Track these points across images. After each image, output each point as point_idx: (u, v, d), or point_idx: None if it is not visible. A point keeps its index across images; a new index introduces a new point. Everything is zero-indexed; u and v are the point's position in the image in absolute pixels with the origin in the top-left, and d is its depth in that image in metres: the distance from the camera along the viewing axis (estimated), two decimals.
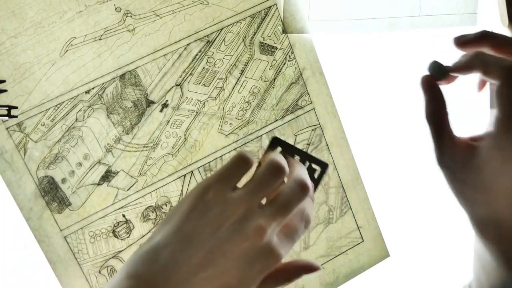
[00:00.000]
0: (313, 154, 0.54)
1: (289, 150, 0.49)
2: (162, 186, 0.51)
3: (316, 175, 0.50)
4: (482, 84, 0.49)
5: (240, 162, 0.43)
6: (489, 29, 0.54)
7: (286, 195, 0.43)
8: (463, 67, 0.46)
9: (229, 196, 0.41)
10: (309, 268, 0.46)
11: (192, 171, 0.51)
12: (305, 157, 0.50)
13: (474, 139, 0.47)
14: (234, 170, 0.43)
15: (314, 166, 0.49)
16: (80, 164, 0.48)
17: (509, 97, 0.42)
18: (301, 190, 0.43)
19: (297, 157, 0.49)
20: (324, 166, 0.49)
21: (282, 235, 0.42)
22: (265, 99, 0.53)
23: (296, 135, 0.54)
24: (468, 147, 0.44)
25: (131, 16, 0.49)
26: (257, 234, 0.40)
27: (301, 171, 0.45)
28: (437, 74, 0.48)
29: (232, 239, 0.40)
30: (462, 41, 0.48)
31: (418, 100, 0.48)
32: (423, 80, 0.49)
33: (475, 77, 0.47)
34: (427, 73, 0.49)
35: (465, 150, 0.44)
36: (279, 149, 0.49)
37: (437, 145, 0.48)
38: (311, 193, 0.47)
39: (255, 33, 0.52)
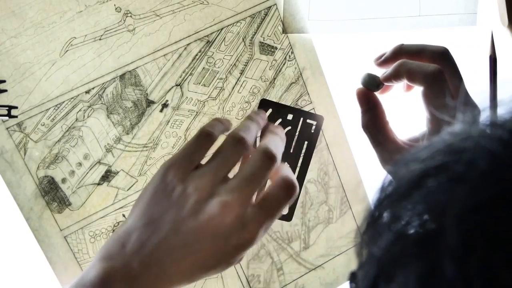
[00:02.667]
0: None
1: (280, 110, 0.49)
2: None
3: (312, 130, 0.50)
4: (408, 86, 0.53)
5: (202, 139, 0.43)
6: (488, 30, 0.54)
7: (250, 166, 0.42)
8: (391, 76, 0.50)
9: (191, 175, 0.41)
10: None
11: None
12: (299, 114, 0.50)
13: (415, 141, 0.50)
14: (195, 147, 0.42)
15: (309, 121, 0.49)
16: (80, 164, 0.48)
17: (433, 100, 0.46)
18: (266, 158, 0.42)
19: (290, 116, 0.49)
20: (319, 119, 0.50)
21: (257, 208, 0.41)
22: None
23: None
24: (409, 148, 0.46)
25: (131, 16, 0.49)
26: (224, 210, 0.39)
27: (267, 140, 0.44)
28: (371, 86, 0.51)
29: (198, 218, 0.39)
30: (382, 61, 0.52)
31: (417, 100, 0.49)
32: (357, 93, 0.52)
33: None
34: (361, 86, 0.52)
35: (405, 152, 0.46)
36: (269, 111, 0.49)
37: (378, 151, 0.51)
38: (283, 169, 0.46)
39: (255, 33, 0.52)
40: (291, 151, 0.50)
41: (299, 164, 0.50)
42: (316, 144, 0.54)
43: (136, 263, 0.38)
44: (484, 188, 0.21)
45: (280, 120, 0.47)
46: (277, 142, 0.44)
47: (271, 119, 0.50)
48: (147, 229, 0.39)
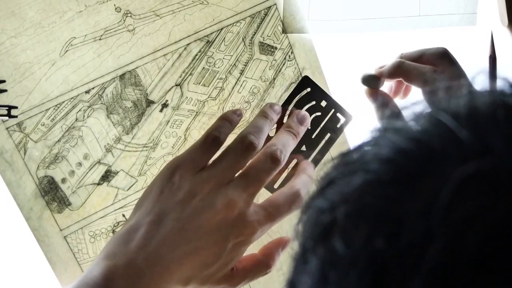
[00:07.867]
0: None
1: (317, 94, 0.50)
2: None
3: (339, 125, 0.51)
4: (406, 91, 0.54)
5: (208, 144, 0.43)
6: (488, 30, 0.54)
7: (254, 167, 0.43)
8: (388, 75, 0.51)
9: (197, 175, 0.42)
10: (282, 243, 0.46)
11: None
12: (332, 105, 0.51)
13: None
14: (202, 151, 0.43)
15: (338, 115, 0.51)
16: (80, 164, 0.48)
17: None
18: (271, 162, 0.43)
19: (324, 103, 0.50)
20: (348, 117, 0.51)
21: (259, 208, 0.42)
22: (264, 99, 0.53)
23: None
24: None
25: (131, 16, 0.49)
26: (227, 207, 0.40)
27: (277, 141, 0.44)
28: (371, 84, 0.52)
29: (203, 214, 0.40)
30: (382, 75, 0.52)
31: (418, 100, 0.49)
32: (365, 94, 0.53)
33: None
34: (363, 85, 0.53)
35: None
36: (307, 90, 0.51)
37: None
38: (308, 171, 0.47)
39: (255, 33, 0.52)
40: (313, 137, 0.50)
41: (315, 152, 0.51)
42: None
43: (140, 260, 0.38)
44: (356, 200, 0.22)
45: (313, 102, 0.49)
46: (286, 142, 0.45)
47: (305, 99, 0.50)
48: (153, 226, 0.40)
